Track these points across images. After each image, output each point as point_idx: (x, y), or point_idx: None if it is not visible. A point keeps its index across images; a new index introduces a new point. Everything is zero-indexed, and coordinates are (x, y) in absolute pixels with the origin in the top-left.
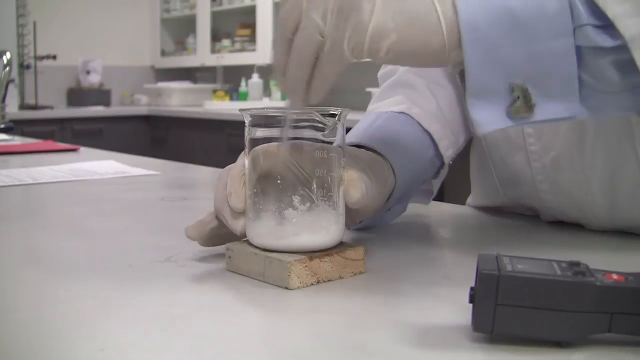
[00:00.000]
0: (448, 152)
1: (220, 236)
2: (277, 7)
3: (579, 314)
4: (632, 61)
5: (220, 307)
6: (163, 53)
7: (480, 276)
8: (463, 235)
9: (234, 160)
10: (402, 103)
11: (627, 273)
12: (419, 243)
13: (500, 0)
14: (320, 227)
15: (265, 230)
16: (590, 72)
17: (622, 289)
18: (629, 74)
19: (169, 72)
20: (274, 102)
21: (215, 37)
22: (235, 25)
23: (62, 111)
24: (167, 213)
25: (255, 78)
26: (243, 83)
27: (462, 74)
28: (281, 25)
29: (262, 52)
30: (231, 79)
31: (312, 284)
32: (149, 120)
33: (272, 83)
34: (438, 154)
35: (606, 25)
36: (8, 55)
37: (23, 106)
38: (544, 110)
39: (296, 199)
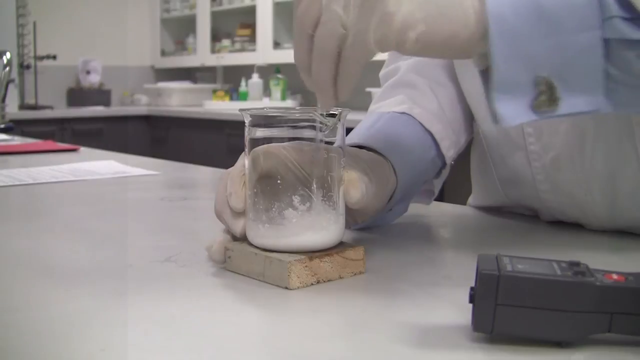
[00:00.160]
0: (450, 152)
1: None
2: (277, 7)
3: (579, 314)
4: None
5: (220, 307)
6: (163, 53)
7: (480, 276)
8: (463, 235)
9: (234, 160)
10: (404, 103)
11: (627, 273)
12: (419, 243)
13: None
14: (320, 227)
15: (265, 230)
16: (618, 65)
17: (622, 289)
18: None
19: (169, 72)
20: (274, 102)
21: (215, 37)
22: (235, 25)
23: (62, 111)
24: (167, 213)
25: (255, 78)
26: (243, 83)
27: (483, 69)
28: (300, 21)
29: (262, 52)
30: (231, 79)
31: (312, 284)
32: (149, 120)
33: (272, 83)
34: (440, 154)
35: (635, 17)
36: (8, 55)
37: (23, 106)
38: (569, 103)
39: (296, 199)
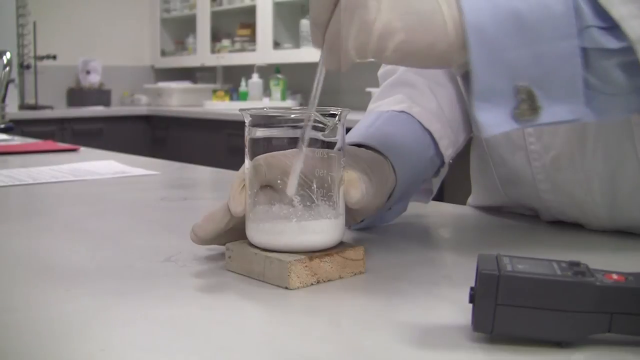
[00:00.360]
0: (448, 151)
1: (225, 235)
2: (277, 7)
3: (579, 314)
4: (637, 63)
5: (220, 307)
6: (163, 53)
7: (480, 276)
8: (463, 235)
9: (234, 160)
10: (403, 102)
11: (627, 273)
12: (419, 243)
13: (505, 2)
14: (320, 227)
15: (266, 230)
16: (596, 74)
17: (622, 289)
18: (635, 76)
19: (169, 72)
20: (274, 102)
21: (215, 37)
22: (235, 25)
23: (62, 111)
24: (167, 213)
25: (255, 78)
26: (243, 83)
27: (464, 76)
28: None
29: (262, 52)
30: (231, 79)
31: (312, 284)
32: (149, 120)
33: (272, 83)
34: (438, 153)
35: (612, 26)
36: (8, 55)
37: (23, 106)
38: (549, 112)
39: (296, 199)
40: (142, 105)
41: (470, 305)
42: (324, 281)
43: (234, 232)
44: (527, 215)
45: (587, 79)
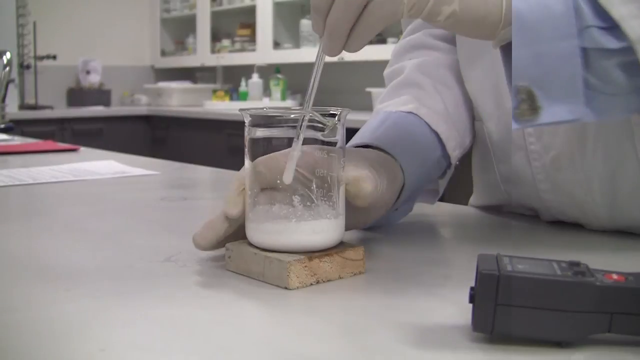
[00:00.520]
0: (455, 153)
1: (227, 240)
2: (277, 7)
3: (579, 314)
4: (637, 63)
5: (220, 307)
6: (163, 53)
7: (480, 276)
8: (463, 235)
9: (234, 160)
10: (410, 103)
11: (627, 273)
12: (419, 243)
13: None
14: (320, 227)
15: (265, 230)
16: (596, 74)
17: (622, 289)
18: (635, 76)
19: (169, 72)
20: (274, 102)
21: (215, 37)
22: (235, 25)
23: (62, 111)
24: (167, 213)
25: (255, 78)
26: (243, 83)
27: (505, 49)
28: None
29: (262, 52)
30: (231, 79)
31: (311, 284)
32: (149, 120)
33: (272, 83)
34: (445, 154)
35: (611, 26)
36: (8, 55)
37: (23, 106)
38: (549, 112)
39: (296, 199)
40: (142, 105)
41: (470, 305)
42: (324, 281)
43: (237, 235)
44: (527, 215)
45: (587, 79)
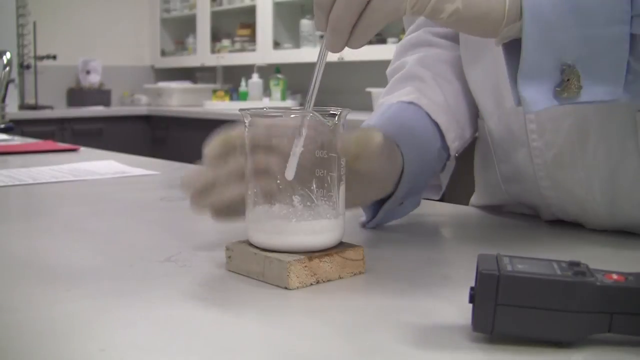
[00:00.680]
0: (454, 144)
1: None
2: (277, 7)
3: (579, 314)
4: None
5: (220, 307)
6: (163, 53)
7: (480, 276)
8: (463, 235)
9: None
10: (412, 94)
11: (627, 273)
12: (419, 243)
13: None
14: (320, 227)
15: (265, 230)
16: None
17: (622, 289)
18: None
19: (169, 72)
20: (274, 102)
21: (215, 37)
22: (235, 25)
23: (62, 111)
24: (167, 213)
25: (255, 78)
26: (243, 83)
27: (507, 50)
28: None
29: (262, 52)
30: (231, 79)
31: (311, 284)
32: (149, 120)
33: (272, 83)
34: (445, 146)
35: None
36: (8, 55)
37: (23, 106)
38: (589, 92)
39: (296, 199)
40: (142, 105)
41: (470, 305)
42: (324, 281)
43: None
44: (527, 214)
45: (629, 62)
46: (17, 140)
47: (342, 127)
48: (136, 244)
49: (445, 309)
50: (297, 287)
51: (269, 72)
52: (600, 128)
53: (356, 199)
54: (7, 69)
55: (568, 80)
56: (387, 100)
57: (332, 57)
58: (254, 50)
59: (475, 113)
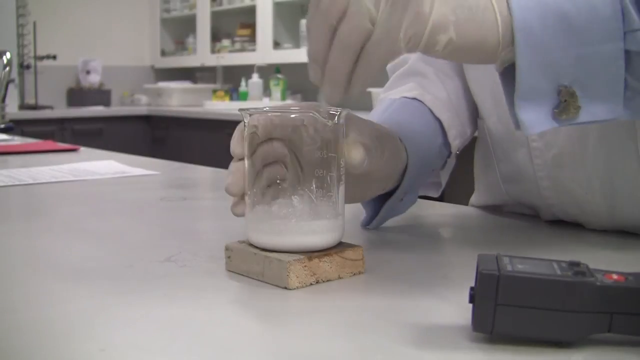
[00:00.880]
0: (456, 142)
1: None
2: (277, 7)
3: (579, 314)
4: None
5: (220, 307)
6: (163, 53)
7: (480, 276)
8: (463, 235)
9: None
10: (415, 89)
11: (627, 273)
12: (419, 243)
13: (553, 3)
14: (319, 227)
15: (265, 230)
16: (637, 76)
17: (622, 289)
18: None
19: (169, 72)
20: (274, 102)
21: (215, 37)
22: (235, 25)
23: (62, 111)
24: (167, 213)
25: (255, 78)
26: (243, 83)
27: (504, 74)
28: (325, 12)
29: (262, 52)
30: (231, 79)
31: (311, 284)
32: (149, 120)
33: (272, 83)
34: (446, 143)
35: None
36: (8, 55)
37: (23, 106)
38: (588, 112)
39: (296, 199)
40: (142, 105)
41: (470, 305)
42: (323, 281)
43: None
44: (527, 214)
45: (626, 79)
46: (17, 140)
47: (342, 127)
48: (136, 244)
49: (445, 309)
50: (297, 287)
51: (269, 72)
52: (600, 128)
53: (356, 194)
54: (7, 69)
55: (565, 101)
56: (389, 95)
57: (333, 104)
58: (254, 50)
59: (475, 110)
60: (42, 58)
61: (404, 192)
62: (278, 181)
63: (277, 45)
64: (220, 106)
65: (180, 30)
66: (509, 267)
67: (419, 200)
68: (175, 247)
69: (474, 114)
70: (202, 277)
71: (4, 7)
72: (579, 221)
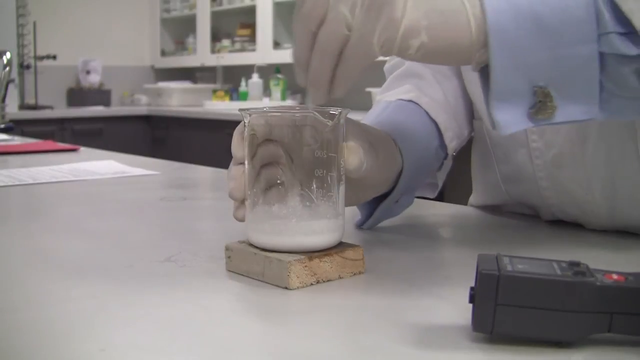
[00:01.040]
0: (452, 143)
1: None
2: (277, 7)
3: (579, 314)
4: None
5: (220, 307)
6: (163, 53)
7: (480, 276)
8: (463, 235)
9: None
10: (411, 91)
11: (627, 273)
12: (419, 243)
13: (526, 5)
14: (320, 227)
15: (265, 230)
16: (612, 79)
17: (622, 289)
18: None
19: (169, 72)
20: (274, 102)
21: (215, 37)
22: (235, 25)
23: (62, 111)
24: (167, 213)
25: (255, 78)
26: (243, 83)
27: (482, 73)
28: (304, 18)
29: (262, 52)
30: (231, 79)
31: (311, 284)
32: (149, 120)
33: (272, 83)
34: (442, 145)
35: (630, 32)
36: (8, 55)
37: (23, 106)
38: (564, 112)
39: (296, 199)
40: (142, 105)
41: (470, 305)
42: (324, 281)
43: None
44: (527, 214)
45: (602, 81)
46: (17, 140)
47: (342, 127)
48: (136, 244)
49: (445, 309)
50: (298, 287)
51: (269, 72)
52: (599, 128)
53: (351, 198)
54: (7, 69)
55: (541, 101)
56: (385, 97)
57: (319, 105)
58: (254, 50)
59: (472, 112)
60: (42, 58)
61: (400, 194)
62: (278, 182)
63: (277, 45)
64: (220, 106)
65: (180, 30)
66: (509, 267)
67: (419, 200)
68: (175, 247)
69: (471, 115)
70: (202, 277)
71: (4, 7)
72: (579, 221)
